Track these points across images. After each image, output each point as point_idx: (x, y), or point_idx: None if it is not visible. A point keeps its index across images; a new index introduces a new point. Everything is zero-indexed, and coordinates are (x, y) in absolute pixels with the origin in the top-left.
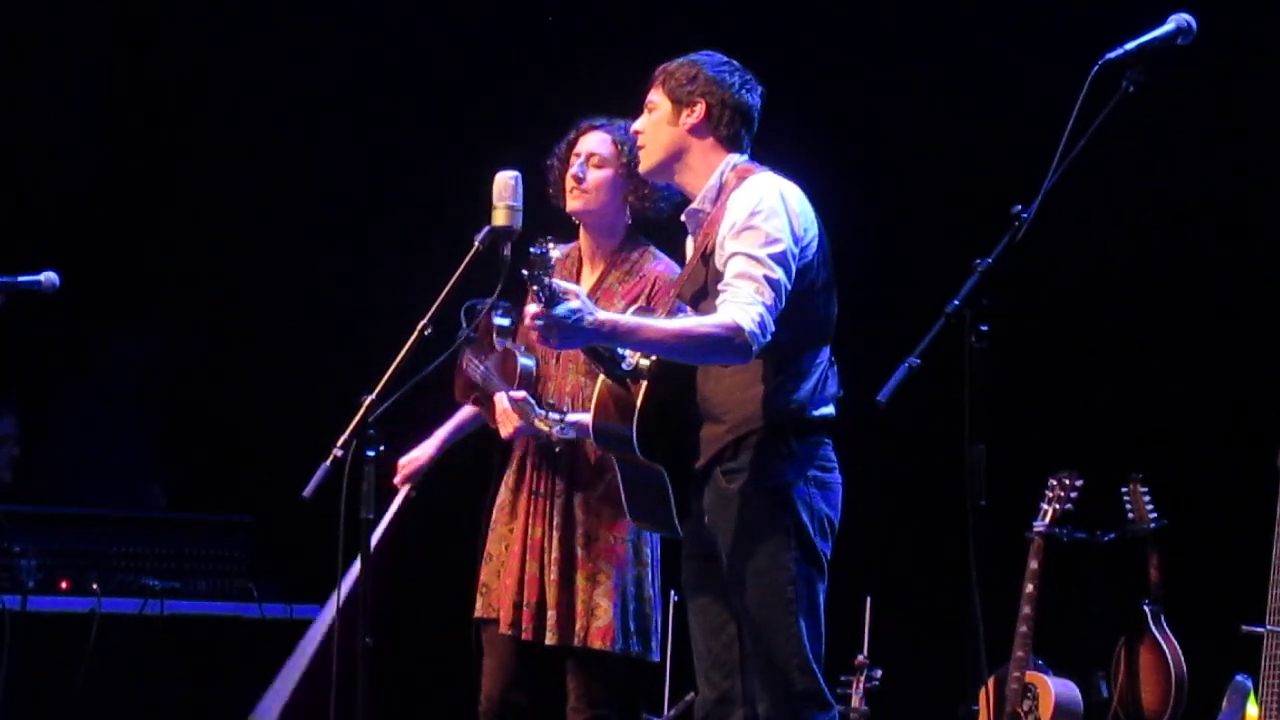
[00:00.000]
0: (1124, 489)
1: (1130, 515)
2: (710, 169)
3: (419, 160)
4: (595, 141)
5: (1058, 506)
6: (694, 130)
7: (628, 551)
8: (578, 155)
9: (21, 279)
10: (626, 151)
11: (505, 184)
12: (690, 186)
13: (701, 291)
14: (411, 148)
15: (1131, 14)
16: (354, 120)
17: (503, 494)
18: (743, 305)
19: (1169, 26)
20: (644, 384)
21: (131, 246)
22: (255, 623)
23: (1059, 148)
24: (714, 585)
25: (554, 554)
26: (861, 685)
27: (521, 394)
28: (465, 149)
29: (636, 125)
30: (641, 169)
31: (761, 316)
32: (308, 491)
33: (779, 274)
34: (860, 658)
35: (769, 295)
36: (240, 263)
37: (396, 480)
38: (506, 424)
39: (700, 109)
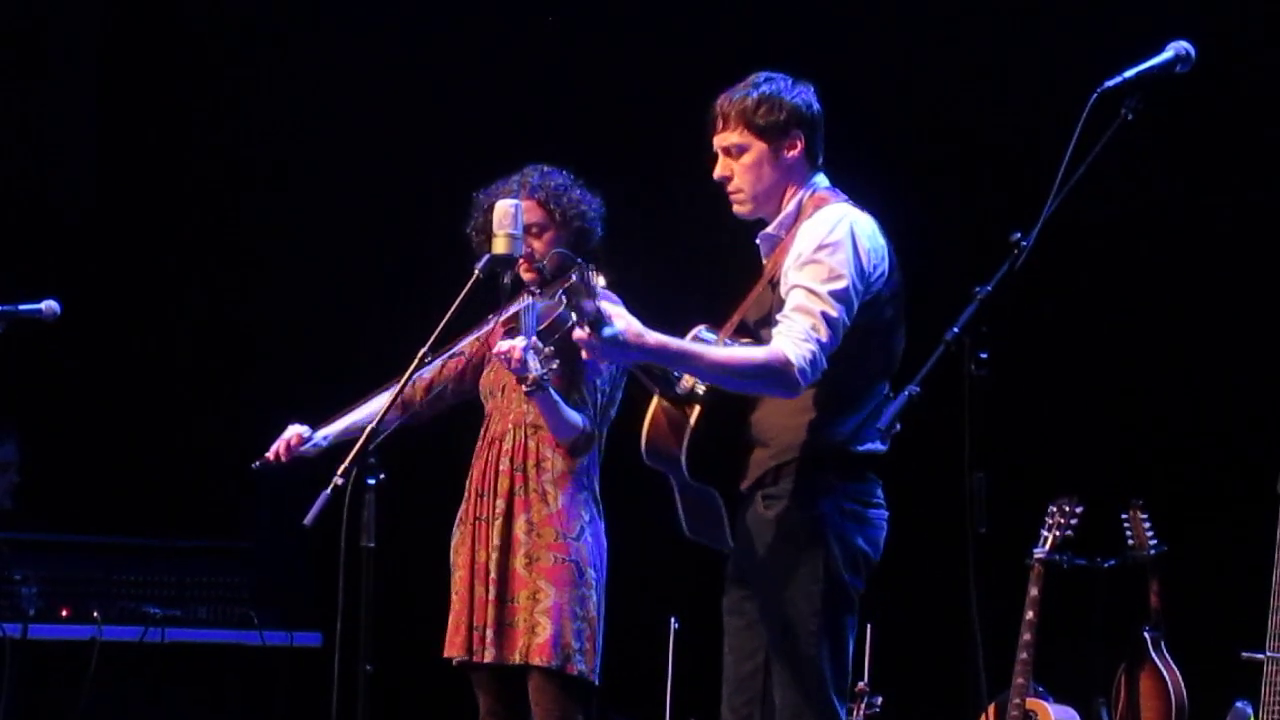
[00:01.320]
0: (1124, 515)
1: (1130, 541)
2: (793, 194)
3: (417, 190)
4: (525, 212)
5: (1058, 533)
6: (793, 164)
7: (571, 572)
8: None
9: (22, 307)
10: (554, 205)
11: (505, 212)
12: (774, 214)
13: (765, 318)
14: (410, 178)
15: (1132, 42)
16: (352, 148)
17: (455, 535)
18: (796, 340)
19: (1167, 54)
20: (696, 408)
21: (131, 272)
22: (256, 650)
23: (1058, 175)
24: (749, 610)
25: (492, 574)
26: (862, 712)
27: (535, 342)
28: (463, 178)
29: (721, 171)
30: (744, 213)
31: (813, 354)
32: (308, 519)
33: (837, 311)
34: (861, 685)
35: (824, 332)
36: (239, 289)
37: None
38: (507, 358)
39: (800, 142)
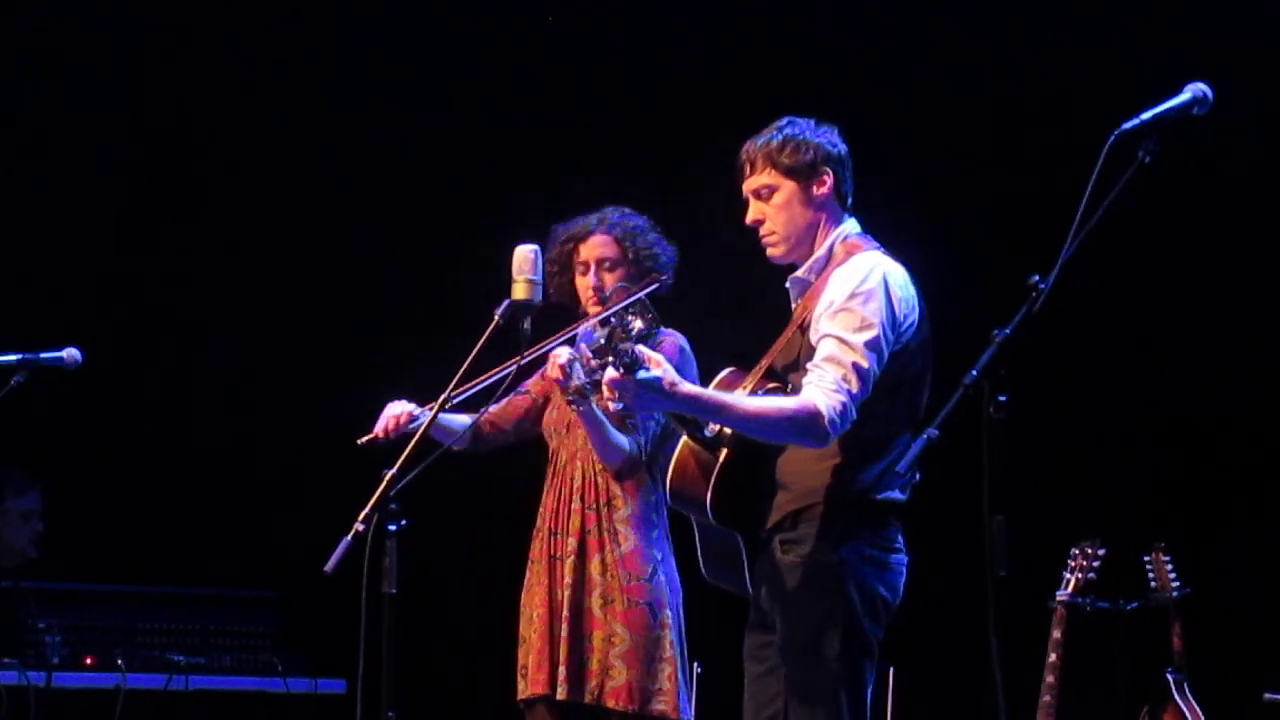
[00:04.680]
0: (1146, 557)
1: (1153, 584)
2: (825, 237)
3: (439, 236)
4: (600, 246)
5: (1080, 575)
6: (825, 202)
7: (645, 615)
8: (585, 263)
9: (44, 355)
10: (628, 243)
11: (525, 258)
12: (807, 257)
13: (794, 363)
14: (431, 224)
15: (1155, 82)
16: (374, 195)
17: (528, 576)
18: (827, 391)
19: (1185, 96)
20: (724, 451)
21: (153, 319)
22: (280, 697)
23: (1076, 218)
24: (769, 656)
25: (565, 612)
26: None
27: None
28: (484, 223)
29: (753, 216)
30: (778, 255)
31: (844, 405)
32: (330, 566)
33: (869, 362)
34: None
35: (855, 383)
36: (262, 336)
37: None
38: (552, 367)
39: (829, 178)
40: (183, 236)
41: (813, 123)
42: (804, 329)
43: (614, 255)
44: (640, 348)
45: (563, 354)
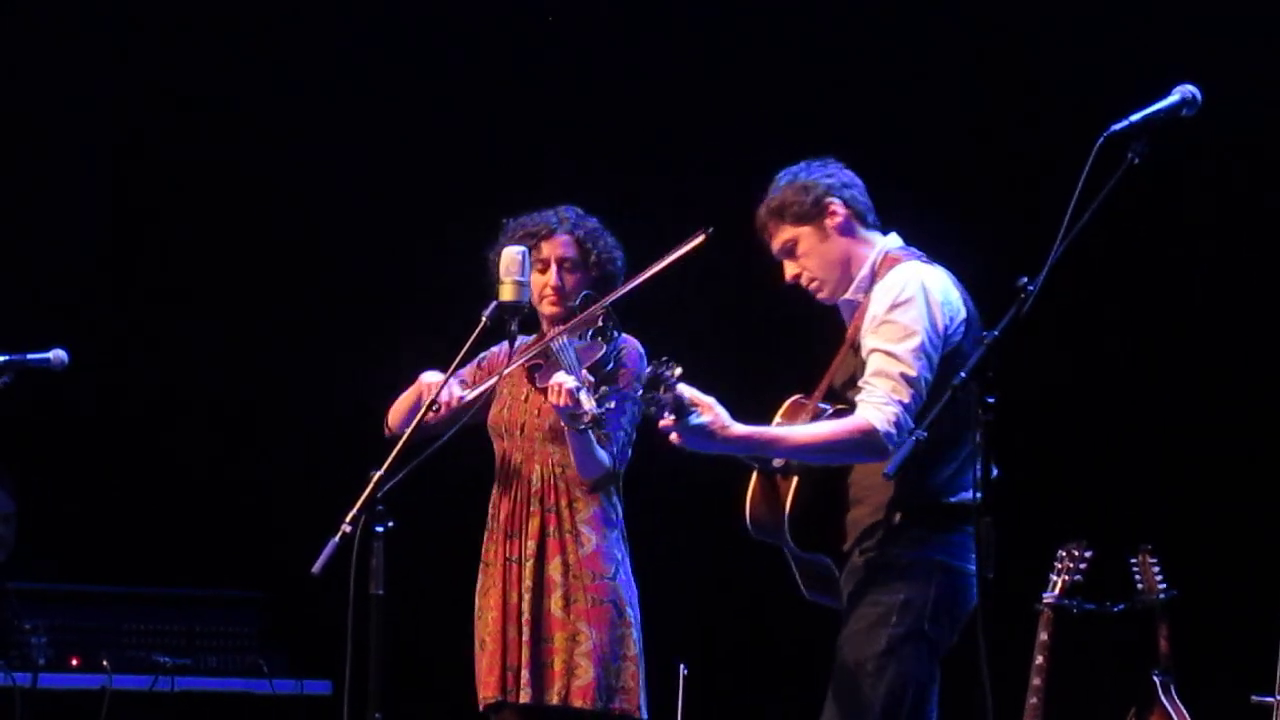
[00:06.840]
0: (1133, 560)
1: (1140, 586)
2: (863, 259)
3: (425, 237)
4: (562, 246)
5: (1067, 578)
6: (844, 229)
7: (610, 613)
8: (545, 261)
9: (30, 357)
10: (590, 245)
11: (512, 259)
12: (851, 284)
13: (850, 381)
14: (418, 226)
15: (1145, 83)
16: (362, 198)
17: (481, 579)
18: (878, 405)
19: (1174, 98)
20: (794, 480)
21: (138, 317)
22: (266, 698)
23: (1065, 220)
24: None
25: (525, 616)
26: None
27: (587, 377)
28: (470, 226)
29: (790, 274)
30: (827, 298)
31: (897, 416)
32: (317, 568)
33: (916, 369)
34: None
35: (905, 393)
36: (249, 338)
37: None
38: (558, 395)
39: (838, 206)
40: (169, 235)
41: (805, 164)
42: (856, 349)
43: (575, 256)
44: (689, 392)
45: (568, 381)
